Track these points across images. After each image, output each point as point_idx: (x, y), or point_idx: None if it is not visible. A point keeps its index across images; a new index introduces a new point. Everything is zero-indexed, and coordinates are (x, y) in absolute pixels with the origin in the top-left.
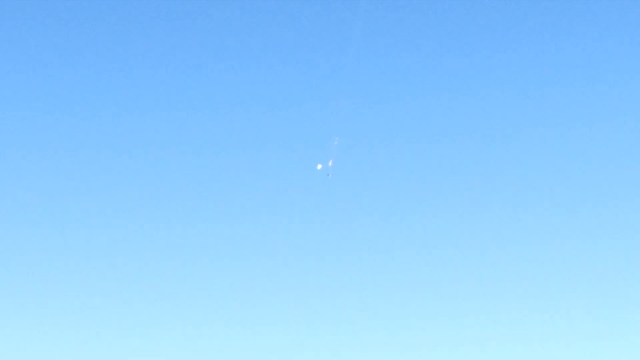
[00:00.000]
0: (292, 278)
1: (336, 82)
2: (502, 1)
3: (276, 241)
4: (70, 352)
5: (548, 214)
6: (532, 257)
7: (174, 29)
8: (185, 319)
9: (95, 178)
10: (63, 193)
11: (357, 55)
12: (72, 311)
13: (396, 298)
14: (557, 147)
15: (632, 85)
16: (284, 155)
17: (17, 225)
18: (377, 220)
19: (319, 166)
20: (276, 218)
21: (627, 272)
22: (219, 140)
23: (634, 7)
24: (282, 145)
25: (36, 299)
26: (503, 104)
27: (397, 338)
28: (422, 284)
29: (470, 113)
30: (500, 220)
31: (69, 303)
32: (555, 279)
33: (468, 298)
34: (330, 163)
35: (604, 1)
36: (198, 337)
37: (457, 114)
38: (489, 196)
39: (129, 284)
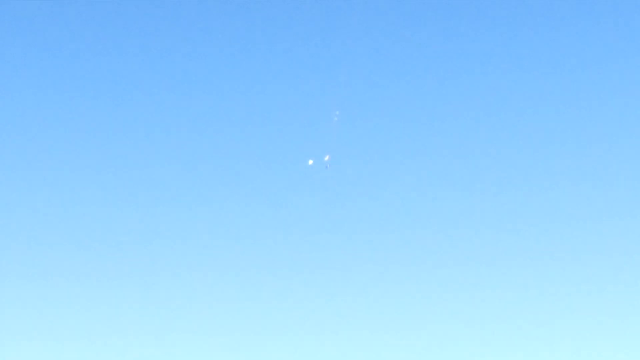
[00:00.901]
0: (290, 275)
1: (334, 72)
2: None
3: (273, 237)
4: (70, 352)
5: (548, 213)
6: (532, 254)
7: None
8: (184, 319)
9: (95, 178)
10: (63, 192)
11: (355, 45)
12: (71, 311)
13: (395, 295)
14: (557, 147)
15: (633, 85)
16: (281, 146)
17: (17, 224)
18: (375, 215)
19: (310, 162)
20: (272, 211)
21: (628, 271)
22: (212, 128)
23: (634, 7)
24: (281, 137)
25: (35, 298)
26: (502, 90)
27: (396, 337)
28: (421, 279)
29: (470, 106)
30: (502, 206)
31: (67, 303)
32: (555, 279)
33: (467, 294)
34: (326, 158)
35: (604, 2)
36: (196, 336)
37: (457, 109)
38: (490, 186)
39: (128, 284)
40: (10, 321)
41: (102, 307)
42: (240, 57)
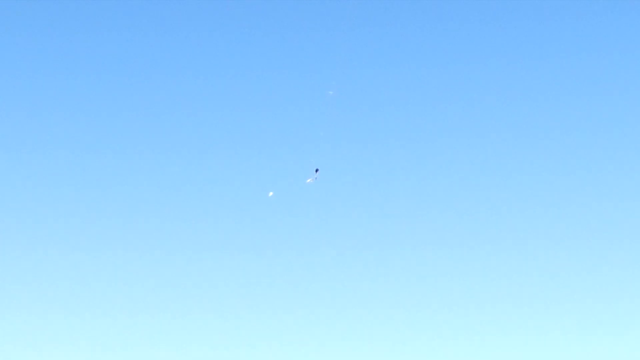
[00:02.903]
0: (288, 273)
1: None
2: None
3: (269, 235)
4: (70, 352)
5: (547, 213)
6: (531, 255)
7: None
8: (182, 320)
9: (95, 178)
10: (62, 193)
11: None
12: (69, 311)
13: (393, 295)
14: (555, 148)
15: (632, 86)
16: (277, 152)
17: (17, 225)
18: (372, 217)
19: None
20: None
21: (627, 272)
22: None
23: (633, 7)
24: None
25: (34, 298)
26: (501, 84)
27: (394, 337)
28: (420, 276)
29: (465, 114)
30: (499, 208)
31: (66, 303)
32: (555, 278)
33: (466, 295)
34: (309, 181)
35: (603, 2)
36: (195, 337)
37: (455, 112)
38: (486, 187)
39: (127, 285)
40: (10, 322)
41: (100, 308)
42: (238, 53)
